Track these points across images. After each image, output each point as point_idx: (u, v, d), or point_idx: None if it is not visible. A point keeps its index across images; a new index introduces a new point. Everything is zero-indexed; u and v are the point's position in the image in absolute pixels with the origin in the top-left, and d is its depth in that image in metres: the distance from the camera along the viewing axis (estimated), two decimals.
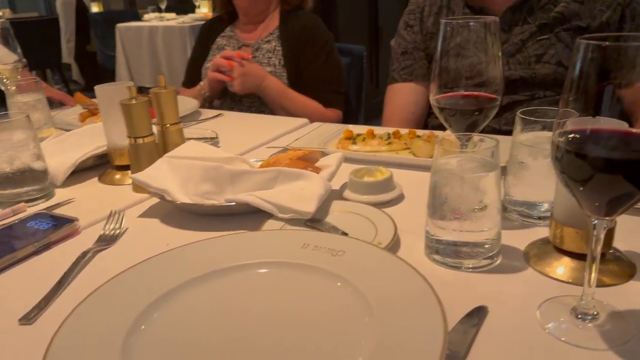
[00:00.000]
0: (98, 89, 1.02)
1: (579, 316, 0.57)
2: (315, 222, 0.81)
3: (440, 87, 0.78)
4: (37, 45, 5.29)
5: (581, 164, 0.49)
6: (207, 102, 1.81)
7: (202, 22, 2.50)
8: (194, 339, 0.55)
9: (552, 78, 1.29)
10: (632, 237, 0.71)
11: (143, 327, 0.56)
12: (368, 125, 1.28)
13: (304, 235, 0.73)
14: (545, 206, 0.79)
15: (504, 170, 0.82)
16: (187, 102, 1.59)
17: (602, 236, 0.54)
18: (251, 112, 1.79)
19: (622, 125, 0.49)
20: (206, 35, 1.96)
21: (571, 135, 0.50)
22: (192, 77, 1.96)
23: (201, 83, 1.80)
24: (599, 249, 0.54)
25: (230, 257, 0.68)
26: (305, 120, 1.47)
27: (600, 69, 0.48)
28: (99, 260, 0.76)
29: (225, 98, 1.82)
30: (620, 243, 0.70)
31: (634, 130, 0.49)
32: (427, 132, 1.18)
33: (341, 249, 0.68)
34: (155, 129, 1.03)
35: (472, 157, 0.69)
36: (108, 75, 4.83)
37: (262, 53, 1.81)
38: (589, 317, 0.57)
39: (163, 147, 1.04)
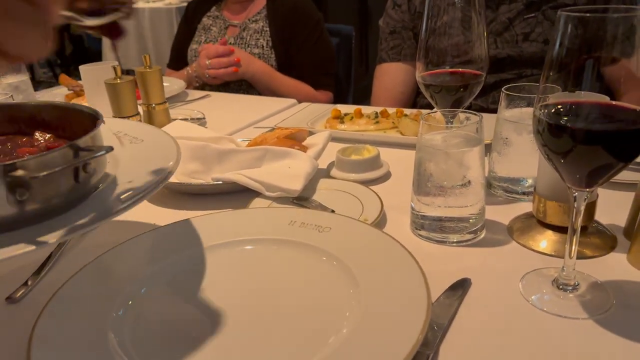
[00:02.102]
0: (83, 68, 1.01)
1: (560, 287, 0.58)
2: (302, 200, 0.82)
3: (426, 64, 0.78)
4: None
5: (562, 136, 0.49)
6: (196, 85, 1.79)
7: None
8: (181, 313, 0.56)
9: (539, 56, 1.30)
10: (614, 210, 0.72)
11: (130, 302, 0.57)
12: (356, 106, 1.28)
13: (290, 213, 0.73)
14: (529, 182, 0.80)
15: (488, 148, 0.83)
16: (173, 83, 1.57)
17: (582, 208, 0.55)
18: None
19: (603, 99, 0.50)
20: (191, 16, 1.94)
21: (552, 108, 0.51)
22: (177, 59, 1.94)
23: (188, 69, 1.77)
24: (579, 221, 0.55)
25: (217, 234, 0.69)
26: (293, 100, 1.47)
27: (581, 42, 0.48)
28: (86, 240, 0.76)
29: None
30: (602, 216, 0.71)
31: (613, 102, 0.49)
32: (414, 111, 1.18)
33: (327, 225, 0.69)
34: (140, 109, 1.03)
35: (456, 133, 0.70)
36: (95, 58, 4.77)
37: (249, 34, 1.79)
38: (570, 288, 0.58)
39: None
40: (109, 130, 0.65)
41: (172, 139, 0.66)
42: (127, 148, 0.65)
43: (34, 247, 0.46)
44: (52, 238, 0.47)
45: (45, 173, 0.46)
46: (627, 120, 0.49)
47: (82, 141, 0.51)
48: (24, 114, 0.62)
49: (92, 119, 0.59)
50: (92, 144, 0.53)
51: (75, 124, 0.61)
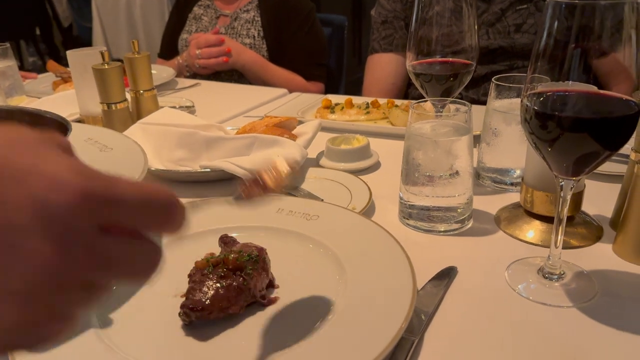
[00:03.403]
0: (70, 54, 1.00)
1: (546, 276, 0.58)
2: (290, 188, 0.81)
3: (417, 54, 0.78)
4: (11, 16, 5.12)
5: (549, 124, 0.49)
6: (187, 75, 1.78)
7: None
8: (168, 298, 0.55)
9: (530, 48, 1.28)
10: (601, 201, 0.73)
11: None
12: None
13: (278, 201, 0.73)
14: (517, 172, 0.80)
15: (478, 139, 0.83)
16: (163, 71, 1.56)
17: (568, 197, 0.55)
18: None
19: (591, 88, 0.50)
20: (183, 5, 1.92)
21: (539, 97, 0.51)
22: (168, 48, 1.92)
23: (178, 58, 1.75)
24: (565, 210, 0.55)
25: (204, 221, 0.68)
26: (284, 90, 1.46)
27: (569, 31, 0.48)
28: None
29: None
30: (589, 207, 0.71)
31: (601, 91, 0.49)
32: (405, 101, 1.18)
33: (315, 214, 0.69)
34: (128, 95, 1.01)
35: (445, 122, 0.70)
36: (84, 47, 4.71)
37: (240, 23, 1.78)
38: (556, 277, 0.58)
39: (137, 113, 1.02)
40: (80, 137, 0.65)
41: (140, 147, 0.66)
42: (97, 156, 0.65)
43: None
44: None
45: None
46: (614, 108, 0.49)
47: None
48: None
49: (61, 127, 0.59)
50: None
51: (46, 130, 0.61)
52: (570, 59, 0.49)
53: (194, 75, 1.72)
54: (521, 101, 0.52)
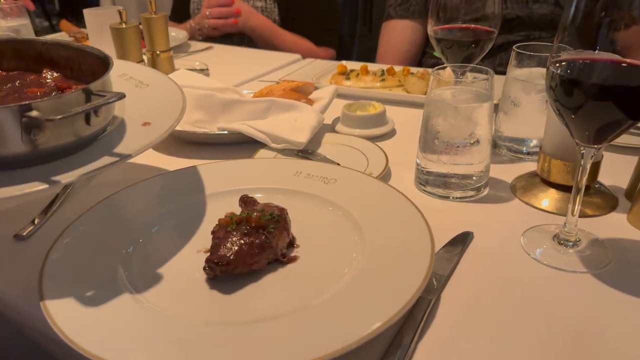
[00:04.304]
0: (87, 12, 0.99)
1: (561, 242, 0.59)
2: (307, 153, 0.82)
3: (439, 19, 0.78)
4: None
5: (574, 91, 0.49)
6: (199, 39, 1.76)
7: None
8: (190, 253, 0.57)
9: (548, 19, 1.28)
10: (617, 173, 0.73)
11: (141, 240, 0.57)
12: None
13: (297, 164, 0.74)
14: (534, 142, 0.80)
15: (495, 108, 0.82)
16: (177, 33, 1.55)
17: (588, 166, 0.55)
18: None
19: (616, 57, 0.49)
20: None
21: (565, 64, 0.51)
22: (179, 11, 1.89)
23: (190, 22, 1.73)
24: (584, 179, 0.56)
25: (224, 181, 0.69)
26: (297, 55, 1.45)
27: (596, 5, 0.48)
28: (92, 184, 0.76)
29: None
30: (605, 178, 0.71)
31: (627, 60, 0.49)
32: (421, 69, 1.17)
33: (333, 177, 0.69)
34: (145, 57, 1.01)
35: (466, 88, 0.69)
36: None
37: None
38: (571, 244, 0.59)
39: None
40: (116, 72, 0.65)
41: (177, 85, 0.66)
42: (133, 92, 0.65)
43: (47, 185, 0.47)
44: (66, 178, 0.47)
45: (60, 117, 0.46)
46: (638, 77, 0.49)
47: (94, 86, 0.51)
48: (32, 51, 0.62)
49: (101, 62, 0.59)
50: (103, 89, 0.53)
51: (85, 65, 0.61)
52: (597, 28, 0.49)
53: (206, 39, 1.70)
54: (547, 69, 0.52)
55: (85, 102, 0.51)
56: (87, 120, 0.52)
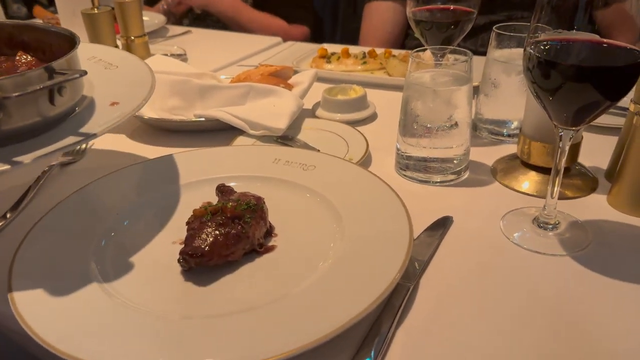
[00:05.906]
0: None
1: (541, 225, 0.59)
2: (286, 139, 0.81)
3: (418, 0, 0.76)
4: None
5: (551, 73, 0.48)
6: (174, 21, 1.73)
7: None
8: (164, 246, 0.56)
9: None
10: (597, 153, 0.73)
11: (113, 233, 0.56)
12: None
13: (275, 151, 0.73)
14: (515, 124, 0.79)
15: (476, 90, 0.82)
16: (153, 17, 1.51)
17: (567, 148, 0.55)
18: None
19: (594, 37, 0.49)
20: None
21: (543, 45, 0.50)
22: None
23: (162, 3, 1.70)
24: (563, 160, 0.55)
25: (201, 170, 0.68)
26: (278, 39, 1.42)
27: None
28: (65, 175, 0.74)
29: (190, 17, 1.74)
30: (585, 159, 0.71)
31: (604, 40, 0.49)
32: (403, 52, 1.16)
33: (312, 164, 0.68)
34: (119, 42, 0.99)
35: (445, 71, 0.68)
36: None
37: None
38: (550, 227, 0.59)
39: None
40: (85, 55, 0.63)
41: (147, 65, 0.64)
42: (102, 73, 0.63)
43: (9, 166, 0.46)
44: (28, 158, 0.46)
45: (17, 94, 0.45)
46: (618, 57, 0.48)
47: (58, 64, 0.50)
48: (3, 34, 0.60)
49: (70, 42, 0.57)
50: (68, 67, 0.52)
51: (55, 46, 0.60)
52: (574, 8, 0.48)
53: (181, 22, 1.68)
54: (524, 49, 0.51)
55: (47, 80, 0.50)
56: (51, 99, 0.51)
